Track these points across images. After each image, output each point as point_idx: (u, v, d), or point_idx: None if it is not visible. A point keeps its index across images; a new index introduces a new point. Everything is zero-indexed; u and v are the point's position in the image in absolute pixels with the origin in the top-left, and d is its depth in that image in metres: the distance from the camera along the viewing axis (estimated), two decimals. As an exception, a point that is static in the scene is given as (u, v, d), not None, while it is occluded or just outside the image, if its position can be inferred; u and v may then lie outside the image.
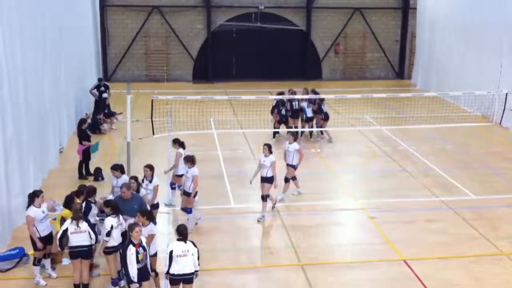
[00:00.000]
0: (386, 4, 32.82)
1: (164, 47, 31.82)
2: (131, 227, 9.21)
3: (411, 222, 13.49)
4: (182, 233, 9.23)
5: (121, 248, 9.36)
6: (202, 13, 31.50)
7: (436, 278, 10.87)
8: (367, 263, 11.51)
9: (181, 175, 13.37)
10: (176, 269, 9.10)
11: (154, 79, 31.48)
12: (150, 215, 10.01)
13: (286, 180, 14.65)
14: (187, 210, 12.66)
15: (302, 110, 19.92)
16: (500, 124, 18.69)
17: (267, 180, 13.33)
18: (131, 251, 8.96)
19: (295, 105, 19.90)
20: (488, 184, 16.00)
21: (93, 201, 10.70)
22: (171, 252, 9.08)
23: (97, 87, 22.31)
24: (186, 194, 12.64)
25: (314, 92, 20.24)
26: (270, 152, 13.34)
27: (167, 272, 9.15)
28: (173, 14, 31.35)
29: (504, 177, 16.58)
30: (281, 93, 20.60)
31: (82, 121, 16.83)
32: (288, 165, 14.61)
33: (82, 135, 16.28)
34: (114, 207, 10.03)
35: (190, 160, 12.58)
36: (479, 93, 20.12)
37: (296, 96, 19.98)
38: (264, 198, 13.35)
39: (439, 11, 28.62)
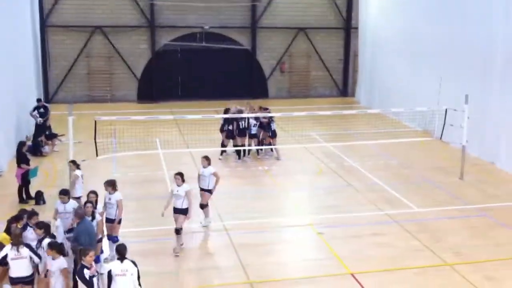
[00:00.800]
0: (329, 24, 33.52)
1: (107, 67, 31.32)
2: (85, 251, 8.94)
3: (358, 237, 13.63)
4: (120, 252, 9.06)
5: (76, 272, 9.11)
6: (146, 33, 31.27)
7: (383, 291, 10.99)
8: (316, 278, 11.52)
9: (79, 197, 12.93)
10: None
11: (97, 99, 30.86)
12: (60, 249, 9.52)
13: (202, 206, 13.92)
14: (113, 238, 11.90)
15: (248, 127, 19.96)
16: (440, 139, 19.25)
17: (182, 212, 12.51)
18: (87, 273, 8.76)
19: (242, 124, 19.89)
20: (430, 197, 16.41)
21: (31, 226, 10.29)
22: (109, 272, 8.89)
23: (37, 108, 21.62)
24: (109, 221, 11.89)
25: (264, 109, 20.36)
26: (183, 181, 12.56)
27: None
28: (116, 34, 30.96)
29: (445, 190, 17.04)
30: (228, 110, 20.53)
31: (21, 144, 16.28)
32: (202, 190, 13.82)
33: (22, 158, 15.73)
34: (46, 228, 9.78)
35: (111, 185, 11.97)
36: (420, 109, 20.73)
37: (244, 115, 19.86)
38: (178, 231, 12.51)
39: (379, 31, 29.46)
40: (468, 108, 17.69)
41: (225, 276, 11.57)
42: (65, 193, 11.59)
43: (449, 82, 22.40)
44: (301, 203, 16.08)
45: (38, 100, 22.38)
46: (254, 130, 20.03)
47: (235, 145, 20.23)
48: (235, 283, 11.26)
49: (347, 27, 33.70)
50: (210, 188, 13.76)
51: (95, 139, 15.68)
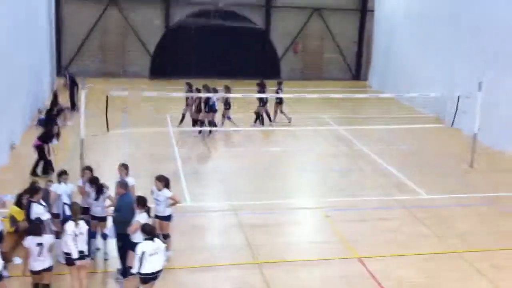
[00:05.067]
0: (345, 5, 33.22)
1: (121, 42, 31.29)
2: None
3: (366, 221, 13.68)
4: (151, 232, 9.18)
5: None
6: (160, 8, 31.14)
7: (390, 275, 11.05)
8: (323, 261, 11.60)
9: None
10: (148, 268, 9.04)
11: (110, 74, 30.90)
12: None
13: (165, 236, 11.10)
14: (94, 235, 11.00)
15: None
16: (452, 125, 19.15)
17: (164, 219, 11.09)
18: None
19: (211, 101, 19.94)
20: (440, 183, 16.37)
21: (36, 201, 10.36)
22: (143, 253, 8.96)
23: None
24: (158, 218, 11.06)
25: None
26: (166, 186, 11.01)
27: (139, 273, 9.05)
28: (131, 8, 30.86)
29: (455, 177, 17.00)
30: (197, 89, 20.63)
31: (51, 121, 16.30)
32: (158, 217, 11.03)
33: (46, 134, 15.63)
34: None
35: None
36: (433, 95, 20.60)
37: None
38: (167, 235, 11.11)
39: (396, 14, 29.14)
40: (481, 95, 17.57)
41: (233, 256, 11.66)
42: (66, 173, 11.37)
43: (463, 68, 22.20)
44: (310, 185, 16.13)
45: (65, 70, 22.21)
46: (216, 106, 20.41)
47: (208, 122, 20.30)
48: (243, 263, 11.36)
49: (363, 9, 33.38)
50: (166, 214, 11.11)
51: (106, 114, 15.72)
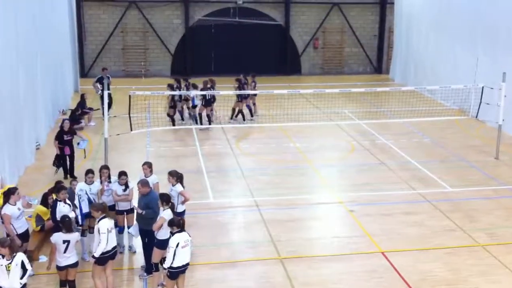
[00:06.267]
0: (364, -1, 32.99)
1: (142, 43, 31.56)
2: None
3: (389, 215, 13.59)
4: (179, 224, 9.26)
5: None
6: (180, 8, 31.32)
7: (414, 270, 10.98)
8: (346, 256, 11.57)
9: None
10: (179, 261, 9.15)
11: (132, 74, 31.21)
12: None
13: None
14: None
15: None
16: (476, 117, 18.90)
17: (178, 215, 10.47)
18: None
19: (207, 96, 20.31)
20: (465, 176, 16.20)
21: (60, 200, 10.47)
22: (177, 245, 9.06)
23: (100, 78, 21.31)
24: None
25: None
26: (177, 181, 11.08)
27: (170, 267, 9.14)
28: (151, 9, 31.11)
29: (480, 169, 16.79)
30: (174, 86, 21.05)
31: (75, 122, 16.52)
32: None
33: (58, 136, 15.62)
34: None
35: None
36: (456, 87, 20.34)
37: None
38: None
39: (416, 6, 28.84)
40: (506, 86, 17.30)
41: (256, 252, 11.71)
42: (92, 172, 11.47)
43: (485, 59, 21.89)
44: (332, 180, 16.08)
45: (104, 69, 22.45)
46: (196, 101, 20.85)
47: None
48: (266, 259, 11.40)
49: (383, 2, 33.08)
50: (179, 211, 11.13)
51: (129, 113, 15.90)
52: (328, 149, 18.84)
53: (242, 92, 20.79)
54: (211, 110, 20.92)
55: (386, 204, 14.20)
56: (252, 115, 21.91)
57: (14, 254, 8.43)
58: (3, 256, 8.36)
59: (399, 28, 30.92)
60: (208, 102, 20.56)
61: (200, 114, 20.68)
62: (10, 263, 8.33)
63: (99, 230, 9.40)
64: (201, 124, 20.59)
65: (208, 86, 20.89)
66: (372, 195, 14.77)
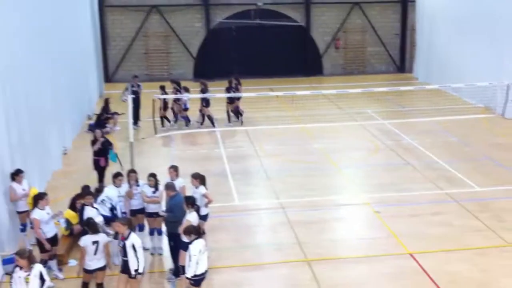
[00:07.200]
0: (385, -3, 32.73)
1: (164, 46, 31.77)
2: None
3: (416, 216, 13.46)
4: (198, 230, 9.27)
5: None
6: (201, 11, 31.44)
7: (443, 271, 10.85)
8: (373, 257, 11.49)
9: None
10: (202, 267, 9.12)
11: (155, 78, 31.39)
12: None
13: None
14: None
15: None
16: (503, 115, 18.62)
17: (202, 218, 10.77)
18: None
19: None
20: (492, 175, 15.96)
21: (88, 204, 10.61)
22: (199, 252, 9.00)
23: (130, 86, 21.09)
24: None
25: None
26: (201, 183, 11.22)
27: (194, 275, 9.03)
28: (172, 13, 31.29)
29: (508, 168, 16.53)
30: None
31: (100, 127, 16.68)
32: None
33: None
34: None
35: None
36: (481, 84, 20.08)
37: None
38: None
39: (438, 3, 28.54)
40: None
41: (282, 254, 11.69)
42: (121, 175, 11.59)
43: (510, 56, 21.52)
44: (357, 181, 15.98)
45: (135, 76, 22.61)
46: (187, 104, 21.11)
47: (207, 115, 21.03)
48: (292, 261, 11.37)
49: (404, 0, 32.79)
50: (203, 214, 11.12)
51: (153, 117, 16.01)
52: (352, 150, 18.73)
53: (231, 95, 21.14)
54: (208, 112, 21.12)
55: (412, 205, 14.07)
56: (238, 118, 21.67)
57: (32, 265, 8.36)
58: (20, 268, 8.32)
59: (421, 26, 30.61)
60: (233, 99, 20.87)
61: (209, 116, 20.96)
62: (29, 275, 8.28)
63: (133, 246, 9.14)
64: (214, 126, 20.78)
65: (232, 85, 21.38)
66: (398, 196, 14.64)
